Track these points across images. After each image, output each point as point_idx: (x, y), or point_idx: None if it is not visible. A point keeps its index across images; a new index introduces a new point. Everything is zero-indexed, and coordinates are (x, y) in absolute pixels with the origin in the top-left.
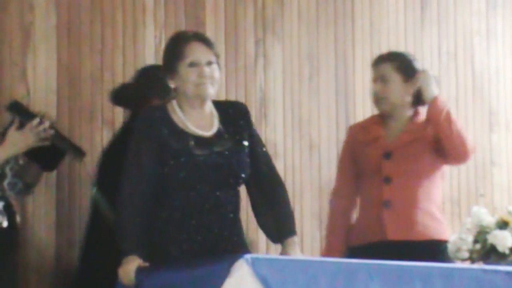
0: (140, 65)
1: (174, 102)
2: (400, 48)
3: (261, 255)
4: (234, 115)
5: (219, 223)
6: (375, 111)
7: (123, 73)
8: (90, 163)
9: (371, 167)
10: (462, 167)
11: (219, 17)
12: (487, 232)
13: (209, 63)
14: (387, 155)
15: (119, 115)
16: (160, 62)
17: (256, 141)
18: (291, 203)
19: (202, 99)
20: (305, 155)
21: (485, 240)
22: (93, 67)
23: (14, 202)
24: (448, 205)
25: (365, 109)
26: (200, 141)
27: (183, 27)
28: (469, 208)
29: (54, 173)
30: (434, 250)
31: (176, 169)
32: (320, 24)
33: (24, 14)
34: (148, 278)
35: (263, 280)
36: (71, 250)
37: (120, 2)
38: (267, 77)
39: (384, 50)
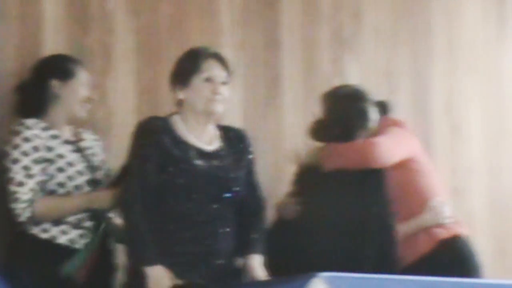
0: None
1: (177, 115)
2: (479, 63)
3: (337, 273)
4: (234, 138)
5: (213, 236)
6: (454, 128)
7: None
8: None
9: None
10: None
11: (295, 36)
12: None
13: (224, 83)
14: None
15: None
16: (237, 84)
17: (251, 168)
18: None
19: (209, 115)
20: None
21: None
22: None
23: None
24: None
25: (442, 127)
26: (201, 153)
27: (260, 46)
28: None
29: None
30: None
31: (175, 175)
32: (397, 41)
33: (105, 36)
34: None
35: None
36: None
37: (197, 23)
38: None
39: (462, 66)
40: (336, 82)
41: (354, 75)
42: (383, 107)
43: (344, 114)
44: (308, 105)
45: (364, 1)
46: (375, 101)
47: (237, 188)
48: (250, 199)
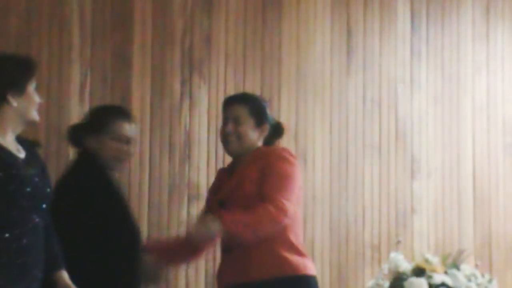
0: (65, 102)
1: None
2: (326, 93)
3: None
4: (30, 148)
5: (37, 245)
6: (299, 155)
7: (46, 111)
8: None
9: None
10: (383, 213)
11: (146, 56)
12: (403, 279)
13: None
14: (221, 204)
15: None
16: (84, 101)
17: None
18: None
19: (33, 123)
20: None
21: (401, 287)
22: None
23: None
24: (368, 251)
25: None
26: (20, 160)
27: (109, 65)
28: (389, 255)
29: None
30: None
31: (6, 181)
32: (247, 66)
33: None
34: None
35: None
36: None
37: (46, 38)
38: (193, 118)
39: (309, 94)
40: (185, 104)
41: (203, 98)
42: (277, 129)
43: (87, 121)
44: (155, 127)
45: (215, 26)
46: (273, 122)
47: (49, 199)
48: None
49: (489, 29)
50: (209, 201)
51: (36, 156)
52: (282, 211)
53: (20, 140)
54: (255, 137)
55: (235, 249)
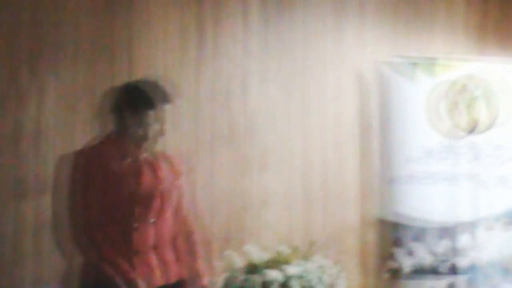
0: None
1: None
2: (177, 85)
3: None
4: None
5: None
6: None
7: None
8: None
9: (128, 205)
10: (234, 205)
11: None
12: (258, 272)
13: None
14: (150, 195)
15: None
16: None
17: None
18: None
19: None
20: None
21: (254, 279)
22: None
23: None
24: (218, 243)
25: None
26: None
27: None
28: (242, 247)
29: None
30: None
31: None
32: (97, 57)
33: None
34: None
35: None
36: None
37: None
38: (41, 108)
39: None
40: (34, 95)
41: (52, 88)
42: None
43: None
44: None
45: (64, 14)
46: None
47: None
48: None
49: (338, 23)
50: (120, 186)
51: None
52: None
53: None
54: None
55: (150, 253)
